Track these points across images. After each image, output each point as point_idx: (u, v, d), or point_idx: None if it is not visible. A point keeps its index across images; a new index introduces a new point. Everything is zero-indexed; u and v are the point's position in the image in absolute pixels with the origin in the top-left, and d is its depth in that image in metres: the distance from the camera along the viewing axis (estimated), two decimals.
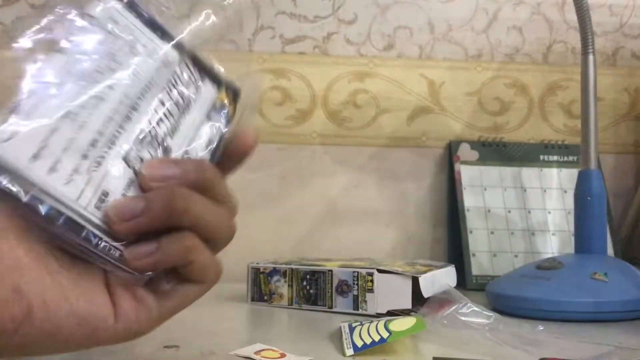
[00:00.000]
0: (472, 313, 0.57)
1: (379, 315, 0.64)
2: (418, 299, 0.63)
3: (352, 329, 0.53)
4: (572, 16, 0.83)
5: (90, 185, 0.33)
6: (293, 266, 0.70)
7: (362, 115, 0.96)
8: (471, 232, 0.88)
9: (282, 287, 0.71)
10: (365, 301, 0.65)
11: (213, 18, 0.39)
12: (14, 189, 0.30)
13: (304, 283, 0.69)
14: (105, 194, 0.33)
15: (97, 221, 0.33)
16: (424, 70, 0.97)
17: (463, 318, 0.57)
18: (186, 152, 0.38)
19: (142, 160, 0.35)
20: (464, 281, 0.83)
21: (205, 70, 0.40)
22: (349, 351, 0.49)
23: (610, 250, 0.86)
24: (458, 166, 0.92)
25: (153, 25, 0.38)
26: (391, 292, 0.64)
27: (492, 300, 0.69)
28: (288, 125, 0.95)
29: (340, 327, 0.55)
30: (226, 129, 0.40)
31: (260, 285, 0.72)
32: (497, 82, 0.98)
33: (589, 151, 0.72)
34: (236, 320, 0.67)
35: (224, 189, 0.37)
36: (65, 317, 0.31)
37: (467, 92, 0.98)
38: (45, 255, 0.32)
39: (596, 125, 0.72)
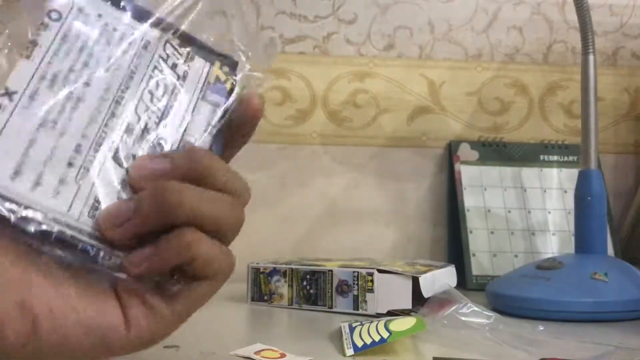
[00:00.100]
0: (472, 313, 0.57)
1: (379, 315, 0.64)
2: (418, 299, 0.63)
3: (352, 329, 0.53)
4: (572, 16, 0.83)
5: (80, 195, 0.31)
6: (293, 266, 0.70)
7: (362, 115, 0.96)
8: (471, 232, 0.88)
9: (282, 287, 0.71)
10: (365, 301, 0.65)
11: None
12: None
13: (304, 283, 0.69)
14: (98, 200, 0.32)
15: (92, 231, 0.31)
16: (424, 70, 0.97)
17: (463, 318, 0.57)
18: (182, 138, 0.35)
19: (133, 157, 0.33)
20: (464, 281, 0.83)
21: (195, 45, 0.37)
22: (349, 351, 0.49)
23: (610, 250, 0.86)
24: (458, 166, 0.92)
25: (128, 7, 0.35)
26: (391, 292, 0.64)
27: (492, 300, 0.69)
28: (288, 125, 0.95)
29: (340, 327, 0.55)
30: (226, 104, 0.37)
31: (260, 285, 0.72)
32: (497, 82, 0.98)
33: (589, 151, 0.72)
34: (236, 320, 0.67)
35: (224, 175, 0.34)
36: (72, 327, 0.30)
37: (467, 92, 0.98)
38: (50, 267, 0.30)
39: (596, 125, 0.72)
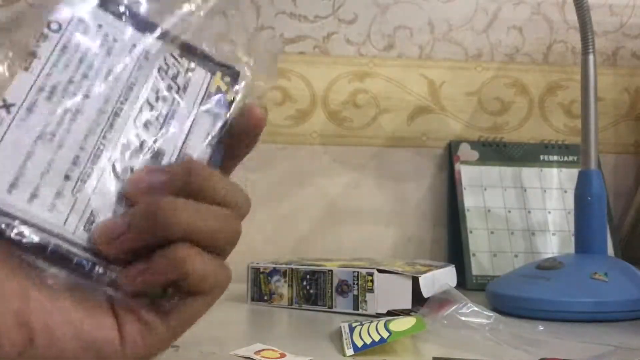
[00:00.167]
0: (472, 313, 0.57)
1: (379, 315, 0.64)
2: (418, 299, 0.63)
3: (352, 329, 0.53)
4: (572, 16, 0.83)
5: (76, 208, 0.31)
6: (293, 266, 0.70)
7: (362, 115, 0.96)
8: (471, 232, 0.88)
9: (282, 287, 0.71)
10: (365, 301, 0.65)
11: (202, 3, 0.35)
12: None
13: (304, 283, 0.69)
14: (95, 214, 0.31)
15: (87, 245, 0.31)
16: (424, 70, 0.97)
17: (463, 318, 0.57)
18: (181, 150, 0.35)
19: (131, 169, 0.33)
20: (464, 281, 0.83)
21: (196, 55, 0.37)
22: (349, 351, 0.49)
23: (610, 250, 0.86)
24: (458, 166, 0.92)
25: (129, 18, 0.34)
26: (391, 292, 0.64)
27: (492, 300, 0.69)
28: (288, 125, 0.95)
29: (340, 327, 0.55)
30: (227, 115, 0.36)
31: (260, 285, 0.72)
32: (497, 82, 0.98)
33: (589, 151, 0.72)
34: (236, 320, 0.67)
35: (223, 189, 0.33)
36: (69, 341, 0.30)
37: (467, 92, 0.98)
38: (46, 280, 0.30)
39: (596, 125, 0.72)
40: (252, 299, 0.72)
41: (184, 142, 0.35)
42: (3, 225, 0.29)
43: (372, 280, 0.65)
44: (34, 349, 0.29)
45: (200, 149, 0.35)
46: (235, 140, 0.37)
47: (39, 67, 0.31)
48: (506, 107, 0.98)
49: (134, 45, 0.34)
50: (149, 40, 0.35)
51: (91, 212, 0.31)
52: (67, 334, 0.30)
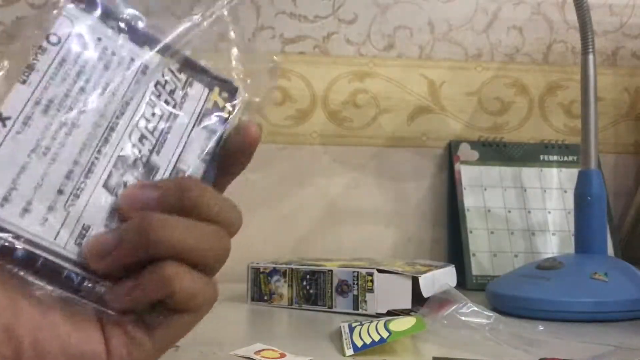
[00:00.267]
0: (472, 313, 0.57)
1: (379, 315, 0.64)
2: (418, 299, 0.63)
3: (352, 329, 0.53)
4: (572, 16, 0.83)
5: (68, 222, 0.31)
6: (293, 266, 0.70)
7: (362, 115, 0.96)
8: (471, 232, 0.88)
9: (282, 287, 0.71)
10: (365, 301, 0.65)
11: (203, 19, 0.35)
12: None
13: (304, 283, 0.69)
14: (87, 228, 0.31)
15: (78, 259, 0.31)
16: (424, 70, 0.97)
17: (463, 318, 0.57)
18: (176, 165, 0.34)
19: (125, 185, 0.32)
20: (464, 281, 0.83)
21: (194, 70, 0.36)
22: (349, 351, 0.49)
23: (610, 250, 0.86)
24: (458, 166, 0.92)
25: (128, 32, 0.34)
26: (391, 292, 0.64)
27: (492, 300, 0.69)
28: (288, 125, 0.95)
29: (340, 327, 0.55)
30: (223, 131, 0.36)
31: (260, 285, 0.72)
32: (497, 82, 0.98)
33: (589, 151, 0.72)
34: (236, 320, 0.67)
35: (216, 205, 0.33)
36: (56, 354, 0.30)
37: (467, 92, 0.98)
38: (35, 294, 0.30)
39: (596, 125, 0.72)
40: (252, 299, 0.72)
41: (178, 158, 0.35)
42: None
43: (372, 280, 0.65)
44: None
45: (194, 164, 0.35)
46: (230, 156, 0.37)
47: (36, 80, 0.31)
48: (506, 107, 0.98)
49: (132, 60, 0.34)
50: (148, 55, 0.35)
51: (83, 226, 0.31)
52: (55, 347, 0.30)
